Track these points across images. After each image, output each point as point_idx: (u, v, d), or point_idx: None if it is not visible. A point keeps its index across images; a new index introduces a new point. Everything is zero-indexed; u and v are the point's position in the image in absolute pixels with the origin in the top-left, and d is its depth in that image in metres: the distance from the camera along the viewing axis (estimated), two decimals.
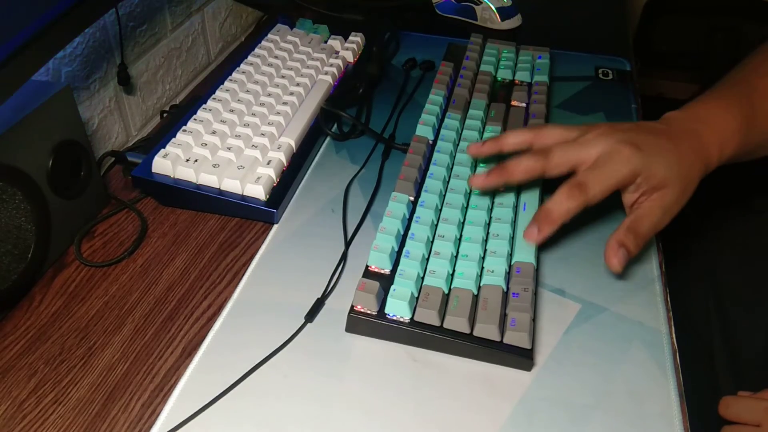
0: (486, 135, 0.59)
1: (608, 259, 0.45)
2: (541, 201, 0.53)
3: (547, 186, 0.58)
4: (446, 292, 0.45)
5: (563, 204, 0.45)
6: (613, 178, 0.45)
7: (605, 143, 0.46)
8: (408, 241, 0.48)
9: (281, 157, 0.56)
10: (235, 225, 0.55)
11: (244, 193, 0.54)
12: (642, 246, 0.46)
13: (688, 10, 1.68)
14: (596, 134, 0.47)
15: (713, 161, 0.50)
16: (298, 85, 0.65)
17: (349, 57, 0.73)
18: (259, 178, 0.54)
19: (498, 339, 0.43)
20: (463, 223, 0.50)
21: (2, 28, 0.41)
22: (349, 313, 0.44)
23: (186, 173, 0.54)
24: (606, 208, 0.55)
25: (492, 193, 0.53)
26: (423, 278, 0.46)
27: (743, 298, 0.67)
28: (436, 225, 0.50)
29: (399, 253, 0.48)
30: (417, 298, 0.44)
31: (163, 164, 0.55)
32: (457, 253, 0.48)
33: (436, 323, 0.43)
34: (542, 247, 0.52)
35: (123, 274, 0.51)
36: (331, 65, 0.70)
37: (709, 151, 0.49)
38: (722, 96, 0.52)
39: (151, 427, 0.40)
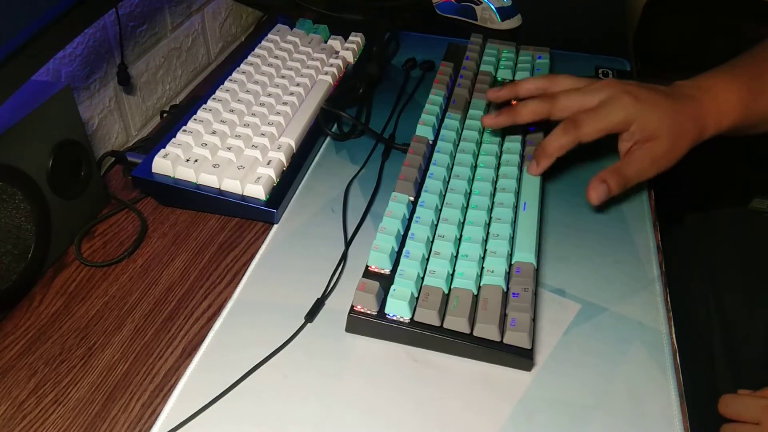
0: (486, 135, 0.59)
1: (588, 192, 0.50)
2: (541, 201, 0.53)
3: (547, 185, 0.58)
4: (446, 292, 0.45)
5: (558, 139, 0.51)
6: (607, 120, 0.50)
7: (608, 92, 0.51)
8: (408, 241, 0.48)
9: (281, 157, 0.56)
10: (235, 225, 0.55)
11: (244, 193, 0.54)
12: (623, 188, 0.50)
13: (688, 10, 1.68)
14: (603, 84, 0.52)
15: (709, 129, 0.52)
16: (298, 85, 0.65)
17: (349, 57, 0.73)
18: (259, 178, 0.54)
19: (498, 339, 0.43)
20: (463, 223, 0.50)
21: (2, 28, 0.41)
22: (349, 313, 0.44)
23: (186, 173, 0.54)
24: (606, 209, 0.55)
25: (492, 192, 0.53)
26: (423, 278, 0.46)
27: (743, 299, 0.67)
28: (436, 225, 0.50)
29: (399, 253, 0.48)
30: (417, 298, 0.44)
31: (163, 164, 0.55)
32: (457, 253, 0.48)
33: (436, 323, 0.43)
34: (542, 247, 0.52)
35: (123, 274, 0.51)
36: (331, 65, 0.70)
37: (705, 118, 0.52)
38: (731, 70, 0.55)
39: (151, 427, 0.40)
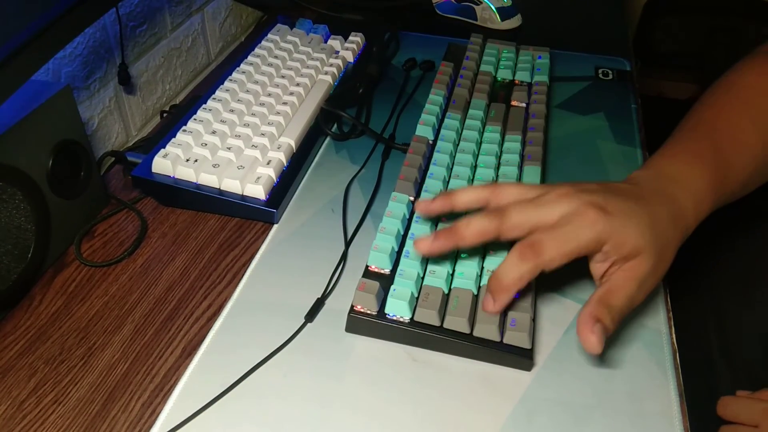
0: (486, 135, 0.59)
1: (584, 336, 0.39)
2: None
3: None
4: (446, 292, 0.45)
5: (514, 268, 0.40)
6: (573, 241, 0.39)
7: (569, 204, 0.40)
8: (408, 241, 0.48)
9: (281, 157, 0.56)
10: (235, 225, 0.55)
11: (244, 193, 0.54)
12: (618, 323, 0.40)
13: (688, 10, 1.68)
14: (558, 194, 0.41)
15: (691, 224, 0.44)
16: (298, 85, 0.65)
17: (349, 57, 0.73)
18: (259, 178, 0.54)
19: (498, 339, 0.43)
20: None
21: (2, 28, 0.41)
22: (349, 313, 0.44)
23: (186, 173, 0.54)
24: None
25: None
26: (423, 278, 0.46)
27: (742, 299, 0.67)
28: (436, 226, 0.50)
29: (399, 253, 0.48)
30: (417, 298, 0.44)
31: (163, 164, 0.55)
32: (457, 253, 0.48)
33: (436, 323, 0.43)
34: None
35: (123, 274, 0.51)
36: (331, 65, 0.70)
37: (686, 214, 0.44)
38: (688, 148, 0.47)
39: (151, 427, 0.40)
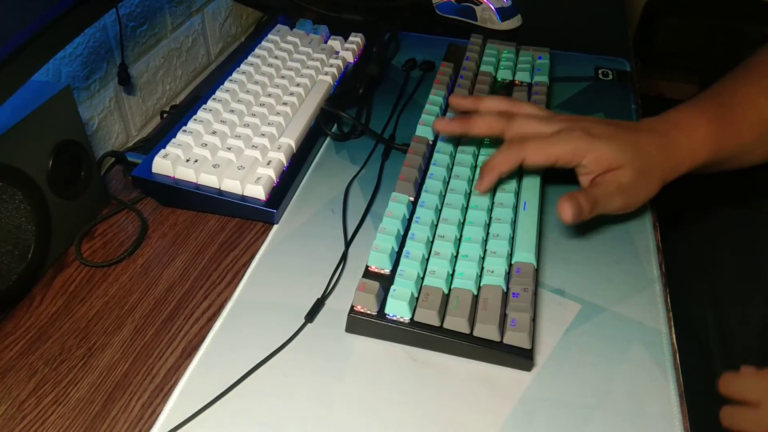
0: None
1: (560, 205, 0.46)
2: (541, 201, 0.53)
3: (547, 186, 0.58)
4: (446, 292, 0.45)
5: (501, 154, 0.49)
6: (553, 148, 0.48)
7: (565, 124, 0.50)
8: (408, 242, 0.48)
9: (281, 158, 0.56)
10: (235, 225, 0.55)
11: (244, 194, 0.54)
12: (593, 209, 0.47)
13: (688, 10, 1.68)
14: (563, 117, 0.51)
15: (684, 163, 0.50)
16: (298, 85, 0.65)
17: (349, 57, 0.73)
18: (259, 178, 0.54)
19: (498, 339, 0.43)
20: (463, 223, 0.50)
21: (2, 28, 0.41)
22: (349, 313, 0.44)
23: (186, 173, 0.54)
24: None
25: (492, 193, 0.53)
26: (423, 278, 0.46)
27: (741, 298, 0.67)
28: (436, 225, 0.50)
29: (399, 253, 0.48)
30: (417, 299, 0.44)
31: (163, 164, 0.55)
32: (457, 253, 0.48)
33: (436, 323, 0.43)
34: (542, 247, 0.52)
35: (123, 275, 0.51)
36: (331, 65, 0.70)
37: (679, 152, 0.50)
38: (699, 103, 0.53)
39: (151, 427, 0.40)
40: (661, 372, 0.43)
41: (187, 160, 0.55)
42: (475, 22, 0.85)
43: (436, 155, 0.56)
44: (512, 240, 0.49)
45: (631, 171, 0.48)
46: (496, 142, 0.58)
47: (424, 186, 0.53)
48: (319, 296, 0.48)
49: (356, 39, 0.75)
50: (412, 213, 0.51)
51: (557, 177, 0.59)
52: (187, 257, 0.52)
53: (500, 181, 0.54)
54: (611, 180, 0.48)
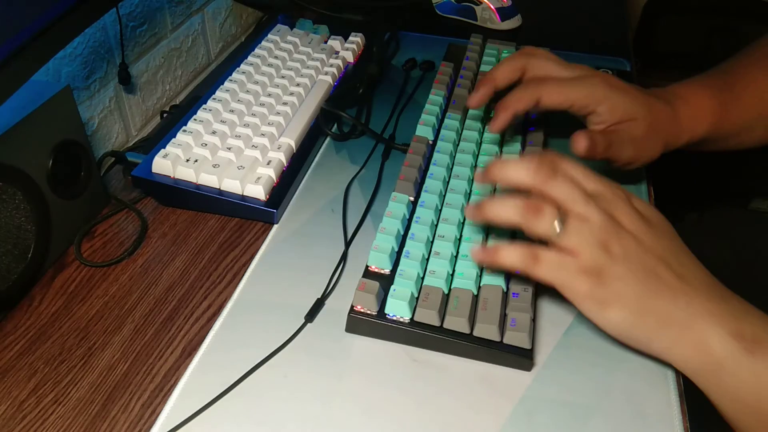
0: (486, 135, 0.59)
1: (577, 138, 0.47)
2: None
3: None
4: (446, 292, 0.45)
5: (518, 92, 0.50)
6: (570, 90, 0.49)
7: (583, 72, 0.52)
8: (408, 241, 0.48)
9: (281, 157, 0.56)
10: (235, 225, 0.55)
11: (244, 193, 0.54)
12: (605, 150, 0.49)
13: (688, 10, 1.68)
14: (582, 66, 0.53)
15: (684, 135, 0.52)
16: (298, 85, 0.65)
17: (349, 57, 0.73)
18: (259, 178, 0.54)
19: (498, 339, 0.43)
20: (463, 223, 0.50)
21: (2, 28, 0.41)
22: (349, 313, 0.44)
23: (186, 173, 0.54)
24: None
25: (492, 192, 0.53)
26: (423, 278, 0.46)
27: (742, 297, 0.67)
28: (436, 225, 0.50)
29: (399, 253, 0.48)
30: (417, 298, 0.44)
31: (163, 164, 0.55)
32: (457, 253, 0.48)
33: (436, 323, 0.43)
34: None
35: (123, 274, 0.51)
36: (331, 65, 0.70)
37: (680, 123, 0.52)
38: (704, 79, 0.55)
39: (151, 427, 0.40)
40: (661, 372, 0.43)
41: (187, 160, 0.55)
42: (475, 22, 0.85)
43: (436, 155, 0.56)
44: (512, 240, 0.49)
45: (644, 125, 0.49)
46: (496, 139, 0.58)
47: (424, 186, 0.53)
48: (319, 296, 0.48)
49: (356, 39, 0.75)
50: (412, 213, 0.51)
51: None
52: (187, 257, 0.52)
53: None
54: (624, 129, 0.49)
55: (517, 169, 0.41)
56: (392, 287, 0.44)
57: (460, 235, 0.49)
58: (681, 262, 0.41)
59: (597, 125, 0.51)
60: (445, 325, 0.43)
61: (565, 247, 0.39)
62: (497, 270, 0.45)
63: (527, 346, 0.42)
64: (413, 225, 0.49)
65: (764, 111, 0.54)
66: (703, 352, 0.38)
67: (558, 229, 0.39)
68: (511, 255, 0.40)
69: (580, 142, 0.47)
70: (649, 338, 0.39)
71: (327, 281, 0.49)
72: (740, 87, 0.54)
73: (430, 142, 0.59)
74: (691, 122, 0.52)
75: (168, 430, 0.39)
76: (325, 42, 0.75)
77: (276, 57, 0.69)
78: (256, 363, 0.43)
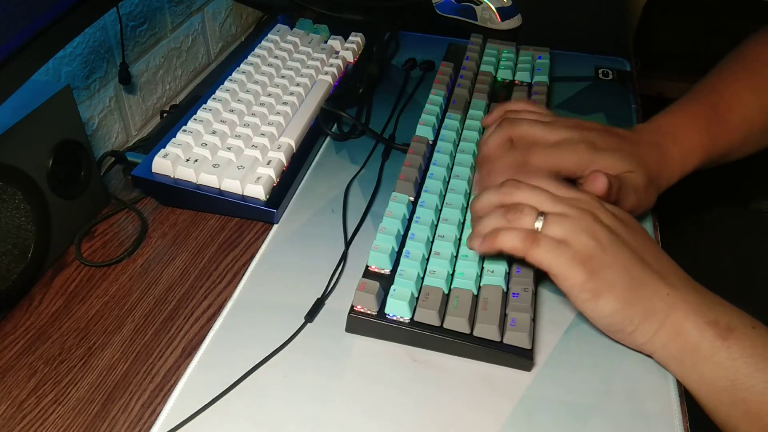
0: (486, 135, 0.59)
1: (596, 175, 0.45)
2: None
3: None
4: (446, 292, 0.45)
5: (509, 155, 0.50)
6: (558, 159, 0.48)
7: (569, 134, 0.49)
8: (408, 241, 0.48)
9: (281, 157, 0.56)
10: (235, 225, 0.55)
11: (244, 193, 0.54)
12: (618, 194, 0.47)
13: (688, 10, 1.68)
14: (565, 125, 0.50)
15: (675, 174, 0.51)
16: (298, 85, 0.65)
17: (349, 57, 0.73)
18: (259, 178, 0.54)
19: (498, 339, 0.43)
20: (463, 223, 0.50)
21: (2, 28, 0.41)
22: (349, 313, 0.44)
23: (186, 173, 0.54)
24: None
25: None
26: (423, 278, 0.46)
27: (740, 297, 0.67)
28: (436, 225, 0.50)
29: (399, 253, 0.48)
30: (417, 298, 0.44)
31: (163, 164, 0.55)
32: (457, 253, 0.48)
33: (436, 323, 0.43)
34: None
35: (123, 274, 0.51)
36: (331, 65, 0.70)
37: (672, 164, 0.51)
38: (688, 107, 0.54)
39: (151, 427, 0.40)
40: (661, 372, 0.43)
41: (187, 160, 0.55)
42: (475, 22, 0.85)
43: (436, 155, 0.56)
44: None
45: (642, 176, 0.48)
46: None
47: (424, 186, 0.53)
48: (319, 296, 0.48)
49: (356, 39, 0.75)
50: (412, 213, 0.51)
51: None
52: (187, 257, 0.52)
53: None
54: (625, 179, 0.48)
55: (485, 204, 0.45)
56: (392, 287, 0.44)
57: (460, 235, 0.49)
58: (656, 257, 0.43)
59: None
60: (445, 325, 0.43)
61: (554, 237, 0.41)
62: (496, 256, 0.45)
63: (527, 346, 0.42)
64: (413, 225, 0.49)
65: (751, 129, 0.54)
66: (681, 340, 0.40)
67: (540, 225, 0.41)
68: (510, 237, 0.41)
69: (600, 180, 0.45)
70: (635, 328, 0.41)
71: (327, 281, 0.49)
72: (725, 108, 0.53)
73: (430, 142, 0.59)
74: (683, 161, 0.51)
75: (168, 430, 0.39)
76: (325, 42, 0.75)
77: (276, 57, 0.69)
78: (256, 363, 0.43)
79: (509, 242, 0.41)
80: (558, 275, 0.41)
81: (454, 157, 0.56)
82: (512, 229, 0.42)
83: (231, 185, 0.54)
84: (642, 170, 0.48)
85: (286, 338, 0.45)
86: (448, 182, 0.54)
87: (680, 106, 0.54)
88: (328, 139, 0.64)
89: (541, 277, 0.50)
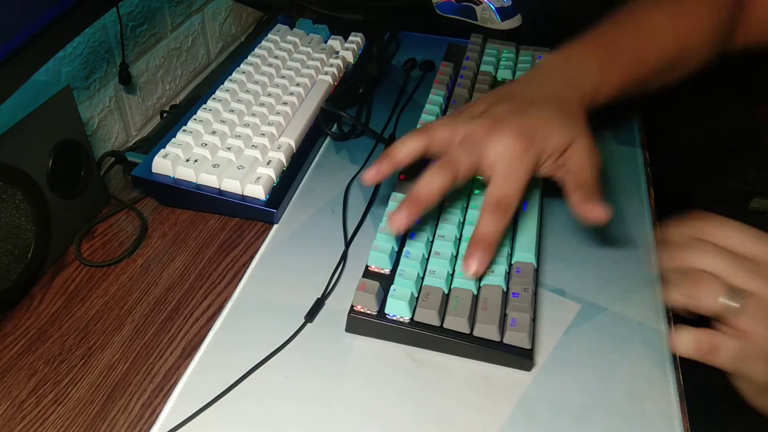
0: None
1: (589, 213, 0.43)
2: (541, 201, 0.53)
3: (547, 186, 0.58)
4: (446, 292, 0.45)
5: (425, 178, 0.43)
6: (521, 179, 0.43)
7: (497, 146, 0.43)
8: (408, 241, 0.48)
9: (281, 157, 0.56)
10: (235, 225, 0.55)
11: (244, 193, 0.54)
12: (599, 189, 0.44)
13: None
14: (484, 133, 0.44)
15: (589, 101, 0.48)
16: (298, 85, 0.65)
17: (349, 57, 0.73)
18: (259, 178, 0.54)
19: (498, 339, 0.43)
20: (463, 223, 0.50)
21: (2, 28, 0.41)
22: (349, 313, 0.44)
23: (186, 173, 0.54)
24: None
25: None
26: (423, 278, 0.46)
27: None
28: (436, 225, 0.50)
29: (399, 253, 0.48)
30: (417, 298, 0.44)
31: (163, 164, 0.55)
32: (457, 253, 0.48)
33: (436, 323, 0.43)
34: (542, 247, 0.52)
35: (123, 274, 0.51)
36: (331, 65, 0.70)
37: (585, 93, 0.48)
38: (599, 37, 0.54)
39: (151, 427, 0.40)
40: (661, 372, 0.43)
41: (187, 160, 0.55)
42: (475, 22, 0.85)
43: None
44: (512, 240, 0.49)
45: (584, 137, 0.45)
46: None
47: None
48: (319, 296, 0.48)
49: (356, 39, 0.75)
50: None
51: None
52: (187, 257, 0.52)
53: None
54: (578, 156, 0.45)
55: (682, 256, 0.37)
56: (392, 287, 0.44)
57: (460, 235, 0.49)
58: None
59: (546, 168, 0.46)
60: (445, 325, 0.43)
61: (737, 327, 0.35)
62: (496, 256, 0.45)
63: (527, 346, 0.42)
64: (413, 225, 0.49)
65: (671, 53, 0.53)
66: None
67: (730, 304, 0.34)
68: (685, 343, 0.35)
69: (601, 213, 0.43)
70: None
71: (327, 281, 0.49)
72: (641, 37, 0.53)
73: None
74: (594, 88, 0.49)
75: (168, 430, 0.39)
76: (325, 42, 0.75)
77: (276, 57, 0.69)
78: (255, 363, 0.43)
79: (683, 350, 0.36)
80: (736, 376, 0.36)
81: None
82: (688, 335, 0.35)
83: (231, 185, 0.54)
84: (579, 132, 0.45)
85: (286, 338, 0.45)
86: None
87: (592, 35, 0.54)
88: (328, 139, 0.64)
89: (541, 277, 0.50)
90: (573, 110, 0.47)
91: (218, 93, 0.62)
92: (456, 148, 0.44)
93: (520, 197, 0.43)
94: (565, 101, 0.47)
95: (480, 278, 0.46)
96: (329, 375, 0.43)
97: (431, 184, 0.42)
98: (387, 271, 0.47)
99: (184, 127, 0.57)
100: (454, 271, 0.46)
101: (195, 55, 0.82)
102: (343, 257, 0.51)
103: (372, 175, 0.45)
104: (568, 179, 0.45)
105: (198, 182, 0.54)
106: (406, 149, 0.46)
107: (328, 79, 0.67)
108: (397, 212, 0.42)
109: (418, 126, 0.60)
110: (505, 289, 0.45)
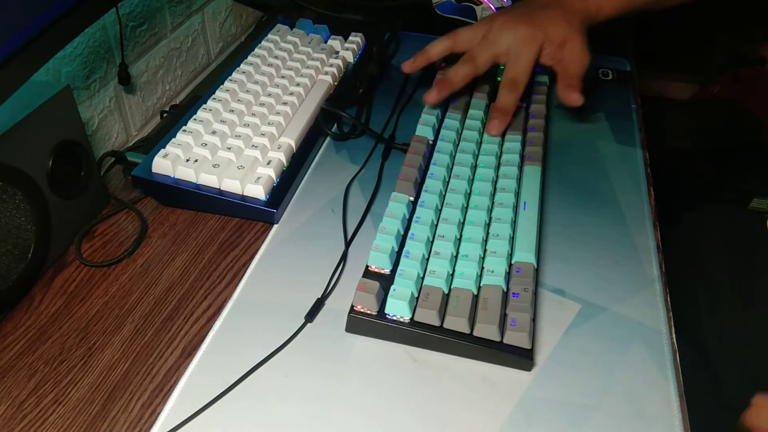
0: (485, 135, 0.59)
1: (567, 97, 0.58)
2: (541, 201, 0.53)
3: (547, 185, 0.58)
4: (446, 292, 0.45)
5: (453, 69, 0.60)
6: (529, 59, 0.58)
7: (509, 35, 0.58)
8: (408, 241, 0.48)
9: (281, 157, 0.56)
10: (235, 225, 0.55)
11: (244, 193, 0.54)
12: (580, 84, 0.58)
13: (689, 10, 1.68)
14: (498, 29, 0.59)
15: (593, 14, 0.61)
16: (298, 85, 0.65)
17: (349, 57, 0.73)
18: (259, 178, 0.54)
19: (498, 339, 0.43)
20: (463, 223, 0.50)
21: (2, 28, 0.41)
22: (349, 313, 0.44)
23: (186, 173, 0.54)
24: (606, 211, 0.56)
25: (492, 192, 0.53)
26: (423, 278, 0.46)
27: (739, 297, 0.67)
28: (436, 225, 0.50)
29: (399, 253, 0.48)
30: (417, 298, 0.44)
31: (163, 164, 0.55)
32: (457, 253, 0.48)
33: (436, 323, 0.43)
34: (542, 247, 0.52)
35: (123, 274, 0.51)
36: (331, 65, 0.70)
37: (589, 7, 0.60)
38: None
39: (151, 427, 0.40)
40: (661, 372, 0.43)
41: (187, 160, 0.55)
42: (475, 22, 0.85)
43: (436, 155, 0.56)
44: (512, 240, 0.49)
45: (579, 37, 0.58)
46: (496, 140, 0.58)
47: (424, 186, 0.53)
48: (319, 296, 0.48)
49: (356, 39, 0.75)
50: (412, 213, 0.51)
51: (558, 177, 0.59)
52: (187, 257, 0.52)
53: (499, 181, 0.54)
54: (572, 51, 0.58)
55: None
56: (392, 287, 0.44)
57: (460, 235, 0.49)
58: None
59: (546, 57, 0.59)
60: (445, 325, 0.43)
61: None
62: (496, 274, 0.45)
63: (527, 346, 0.42)
64: (413, 225, 0.49)
65: None
66: None
67: None
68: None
69: (575, 99, 0.58)
70: None
71: (327, 281, 0.49)
72: None
73: (430, 142, 0.59)
74: (598, 3, 0.60)
75: (168, 430, 0.39)
76: (325, 42, 0.75)
77: (276, 57, 0.69)
78: (256, 363, 0.43)
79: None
80: None
81: (454, 157, 0.56)
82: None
83: (231, 185, 0.54)
84: (577, 32, 0.58)
85: (286, 338, 0.45)
86: (448, 182, 0.54)
87: None
88: (328, 139, 0.64)
89: (541, 277, 0.50)
90: (575, 18, 0.59)
91: (218, 93, 0.62)
92: (476, 46, 0.59)
93: (530, 75, 0.58)
94: (570, 11, 0.59)
95: (480, 278, 0.46)
96: (329, 375, 0.43)
97: (457, 72, 0.59)
98: (387, 271, 0.47)
99: (184, 127, 0.57)
100: (454, 271, 0.46)
101: (195, 55, 0.82)
102: (343, 257, 0.51)
103: (409, 65, 0.63)
104: (559, 69, 0.59)
105: (198, 182, 0.54)
106: (437, 48, 0.62)
107: (328, 79, 0.67)
108: (431, 91, 0.60)
109: (419, 125, 0.60)
110: (505, 289, 0.45)
